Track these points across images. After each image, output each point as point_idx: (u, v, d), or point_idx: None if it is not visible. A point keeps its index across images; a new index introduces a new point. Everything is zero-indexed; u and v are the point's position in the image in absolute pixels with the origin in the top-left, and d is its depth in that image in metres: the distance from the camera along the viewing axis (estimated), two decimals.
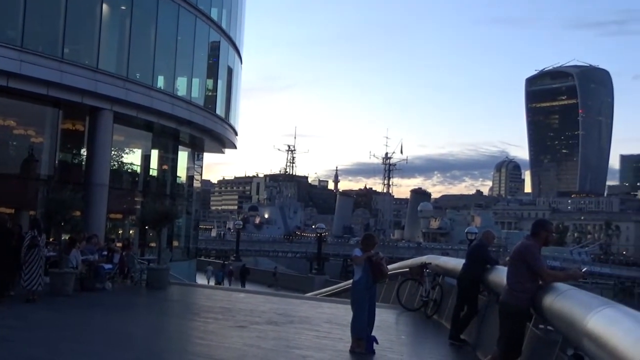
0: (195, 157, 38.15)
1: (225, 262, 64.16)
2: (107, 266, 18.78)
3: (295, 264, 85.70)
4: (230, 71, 36.96)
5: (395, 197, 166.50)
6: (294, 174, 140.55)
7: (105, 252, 19.58)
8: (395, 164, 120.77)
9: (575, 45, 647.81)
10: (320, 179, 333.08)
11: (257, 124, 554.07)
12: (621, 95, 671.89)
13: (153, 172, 33.52)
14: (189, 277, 33.31)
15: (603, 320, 4.51)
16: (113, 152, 28.78)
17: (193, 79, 33.04)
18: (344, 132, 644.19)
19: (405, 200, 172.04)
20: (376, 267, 10.15)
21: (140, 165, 32.74)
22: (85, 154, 27.41)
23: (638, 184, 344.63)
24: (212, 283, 50.42)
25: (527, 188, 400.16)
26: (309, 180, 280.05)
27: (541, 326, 7.02)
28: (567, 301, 5.89)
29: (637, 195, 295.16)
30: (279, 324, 12.97)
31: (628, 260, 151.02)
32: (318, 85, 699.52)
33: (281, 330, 12.11)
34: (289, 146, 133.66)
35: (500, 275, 9.04)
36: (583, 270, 8.01)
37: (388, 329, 12.75)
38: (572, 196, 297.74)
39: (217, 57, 35.15)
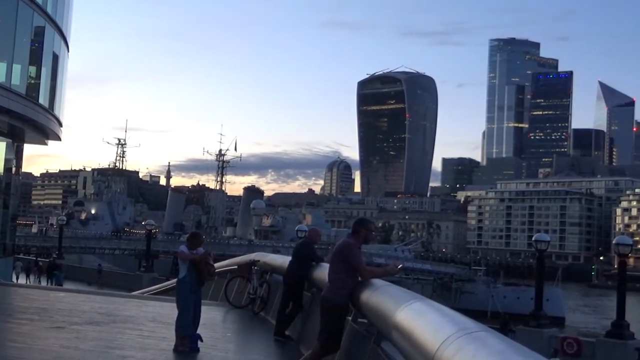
0: (15, 149, 35.78)
1: (38, 260, 60.56)
2: None
3: (124, 262, 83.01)
4: (55, 59, 34.98)
5: (228, 194, 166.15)
6: (124, 168, 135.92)
7: None
8: (229, 161, 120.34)
9: (405, 52, 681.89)
10: (152, 175, 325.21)
11: (86, 116, 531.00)
12: (445, 102, 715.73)
13: None
14: (4, 276, 31.19)
15: (411, 313, 4.75)
16: None
17: (14, 65, 30.91)
18: (177, 128, 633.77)
19: (239, 197, 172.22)
20: (202, 267, 10.07)
21: None
22: None
23: (457, 185, 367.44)
24: (22, 281, 47.54)
25: (357, 187, 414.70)
26: (140, 175, 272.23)
27: (361, 320, 7.30)
28: (382, 296, 6.15)
29: (456, 196, 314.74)
30: (100, 323, 12.47)
31: (447, 257, 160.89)
32: (152, 79, 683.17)
33: (102, 330, 11.66)
34: (119, 140, 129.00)
35: (325, 272, 9.24)
36: (399, 267, 8.41)
37: (214, 326, 12.68)
38: (398, 196, 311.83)
39: (42, 43, 33.14)
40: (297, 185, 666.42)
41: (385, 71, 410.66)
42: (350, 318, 7.58)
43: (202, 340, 9.78)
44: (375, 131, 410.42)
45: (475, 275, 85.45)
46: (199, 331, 9.90)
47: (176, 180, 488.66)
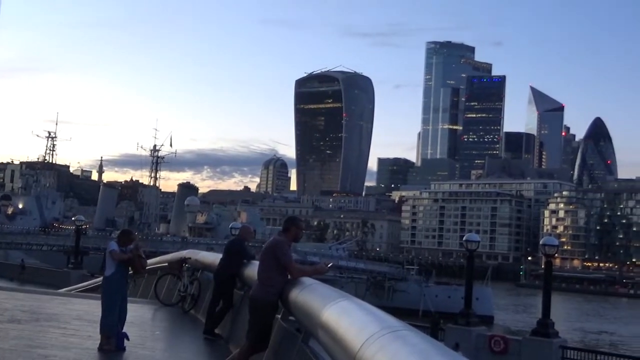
0: None
1: None
2: None
3: (52, 258, 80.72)
4: None
5: (162, 190, 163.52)
6: (54, 162, 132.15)
7: None
8: (163, 157, 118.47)
9: (344, 52, 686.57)
10: (84, 169, 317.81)
11: (14, 107, 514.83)
12: (382, 102, 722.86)
13: None
14: None
15: (337, 311, 4.74)
16: None
17: None
18: (111, 122, 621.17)
19: (173, 194, 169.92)
20: (136, 263, 9.93)
21: None
22: None
23: (392, 185, 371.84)
24: None
25: (293, 186, 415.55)
26: (71, 169, 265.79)
27: (290, 318, 7.26)
28: (310, 294, 6.14)
29: (391, 195, 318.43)
30: (22, 322, 12.06)
31: (381, 256, 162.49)
32: (85, 71, 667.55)
33: (24, 329, 11.26)
34: (49, 133, 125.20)
35: (256, 270, 9.19)
36: (328, 266, 8.41)
37: (142, 324, 12.45)
38: (334, 195, 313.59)
39: None
40: (233, 183, 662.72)
41: (323, 70, 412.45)
42: (279, 316, 7.54)
43: (128, 339, 9.59)
44: (312, 130, 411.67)
45: (408, 274, 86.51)
46: (125, 329, 9.71)
47: (109, 176, 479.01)
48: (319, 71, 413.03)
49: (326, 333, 4.70)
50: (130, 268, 10.08)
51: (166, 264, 16.50)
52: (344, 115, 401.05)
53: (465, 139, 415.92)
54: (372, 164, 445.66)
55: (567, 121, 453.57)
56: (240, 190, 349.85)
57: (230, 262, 10.99)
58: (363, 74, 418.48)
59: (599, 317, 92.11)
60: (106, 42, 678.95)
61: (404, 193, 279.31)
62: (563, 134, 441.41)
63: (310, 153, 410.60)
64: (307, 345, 6.18)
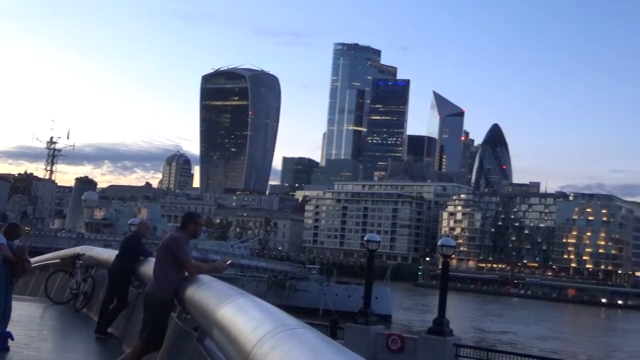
0: None
1: None
2: None
3: None
4: None
5: (59, 184, 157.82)
6: None
7: None
8: (60, 150, 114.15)
9: (254, 50, 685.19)
10: None
11: None
12: (289, 102, 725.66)
13: None
14: None
15: (232, 309, 4.64)
16: None
17: None
18: (5, 112, 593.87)
19: (70, 188, 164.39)
20: (18, 265, 9.49)
21: None
22: None
23: (296, 185, 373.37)
24: None
25: (196, 183, 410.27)
26: None
27: (188, 317, 7.07)
28: (206, 292, 6.00)
29: (294, 195, 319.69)
30: None
31: (283, 256, 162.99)
32: None
33: None
34: None
35: (152, 267, 8.94)
36: (227, 263, 8.29)
37: (30, 323, 11.86)
38: (237, 193, 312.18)
39: None
40: (134, 178, 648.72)
41: (230, 67, 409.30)
42: (175, 315, 7.34)
43: (12, 339, 9.11)
44: (217, 127, 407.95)
45: (309, 273, 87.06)
46: (10, 329, 9.24)
47: (2, 168, 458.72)
48: (226, 68, 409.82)
49: (221, 331, 4.60)
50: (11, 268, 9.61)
51: (58, 261, 15.87)
52: (249, 113, 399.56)
53: (370, 141, 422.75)
54: (277, 163, 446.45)
55: (467, 126, 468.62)
56: (142, 186, 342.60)
57: (126, 258, 10.67)
58: (270, 72, 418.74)
59: (492, 316, 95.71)
60: (1, 31, 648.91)
61: (307, 193, 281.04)
62: (463, 138, 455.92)
63: (214, 150, 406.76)
64: (202, 345, 6.03)
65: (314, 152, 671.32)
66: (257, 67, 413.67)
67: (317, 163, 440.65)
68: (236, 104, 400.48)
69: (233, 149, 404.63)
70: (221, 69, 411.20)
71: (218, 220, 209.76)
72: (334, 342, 3.16)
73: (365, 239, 33.33)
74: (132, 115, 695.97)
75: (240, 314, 4.37)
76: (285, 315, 3.96)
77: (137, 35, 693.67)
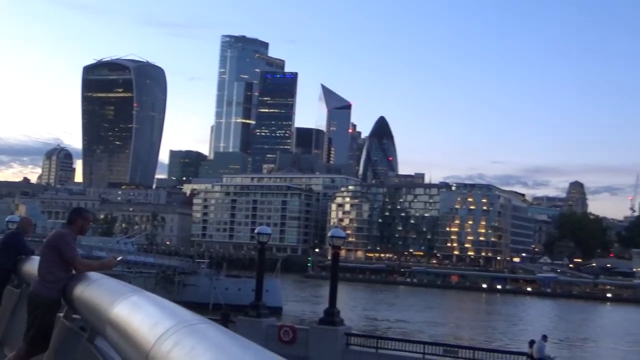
0: None
1: None
2: None
3: None
4: None
5: None
6: None
7: None
8: None
9: (139, 41, 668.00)
10: None
11: None
12: (176, 94, 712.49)
13: None
14: None
15: (127, 307, 4.46)
16: None
17: None
18: None
19: None
20: None
21: None
22: None
23: (184, 178, 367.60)
24: None
25: (79, 177, 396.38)
26: None
27: (75, 316, 6.79)
28: (97, 290, 5.77)
29: (182, 188, 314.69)
30: None
31: (171, 250, 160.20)
32: None
33: None
34: None
35: (35, 265, 8.52)
36: (117, 259, 8.01)
37: None
38: (123, 187, 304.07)
39: None
40: (11, 174, 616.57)
41: (114, 58, 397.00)
42: (62, 315, 7.02)
43: None
44: (101, 119, 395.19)
45: (199, 268, 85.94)
46: None
47: None
48: (109, 59, 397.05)
49: (116, 330, 4.41)
50: None
51: None
52: (134, 105, 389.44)
53: (258, 133, 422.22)
54: (164, 156, 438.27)
55: (354, 119, 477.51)
56: (20, 182, 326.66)
57: (6, 257, 10.11)
58: (156, 64, 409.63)
59: (385, 304, 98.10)
60: None
61: (195, 186, 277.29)
62: (350, 131, 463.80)
63: (97, 143, 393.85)
64: (93, 345, 5.79)
65: (202, 145, 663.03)
66: (142, 58, 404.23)
67: (205, 156, 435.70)
68: (120, 96, 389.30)
69: (117, 142, 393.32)
70: (104, 59, 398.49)
71: (102, 216, 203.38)
72: (239, 337, 3.09)
73: (256, 231, 33.29)
74: (8, 108, 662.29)
75: (137, 312, 4.20)
76: (186, 311, 3.84)
77: (14, 23, 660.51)
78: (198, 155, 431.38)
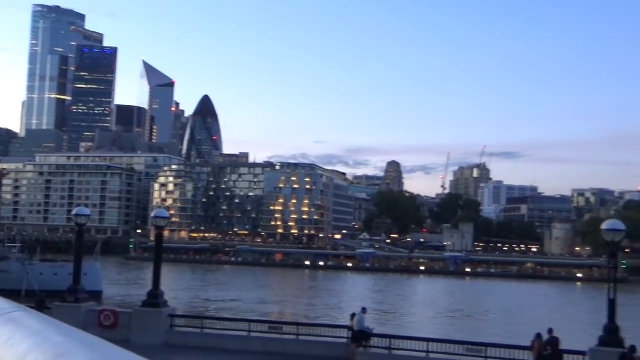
0: None
1: None
2: None
3: None
4: None
5: None
6: None
7: None
8: None
9: None
10: None
11: None
12: None
13: None
14: None
15: None
16: None
17: None
18: None
19: None
20: None
21: None
22: None
23: None
24: None
25: None
26: None
27: None
28: None
29: None
30: None
31: None
32: None
33: None
34: None
35: None
36: None
37: None
38: None
39: None
40: None
41: None
42: None
43: None
44: None
45: (10, 252, 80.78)
46: None
47: None
48: None
49: None
50: None
51: None
52: None
53: (75, 110, 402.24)
54: None
55: (177, 97, 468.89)
56: None
57: None
58: None
59: (217, 284, 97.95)
60: None
61: (5, 165, 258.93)
62: (173, 109, 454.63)
63: None
64: None
65: (12, 122, 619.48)
66: None
67: (16, 133, 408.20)
68: None
69: None
70: None
71: None
72: (58, 322, 2.89)
73: (73, 212, 31.63)
74: None
75: None
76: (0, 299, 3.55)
77: None
78: (7, 132, 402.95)
